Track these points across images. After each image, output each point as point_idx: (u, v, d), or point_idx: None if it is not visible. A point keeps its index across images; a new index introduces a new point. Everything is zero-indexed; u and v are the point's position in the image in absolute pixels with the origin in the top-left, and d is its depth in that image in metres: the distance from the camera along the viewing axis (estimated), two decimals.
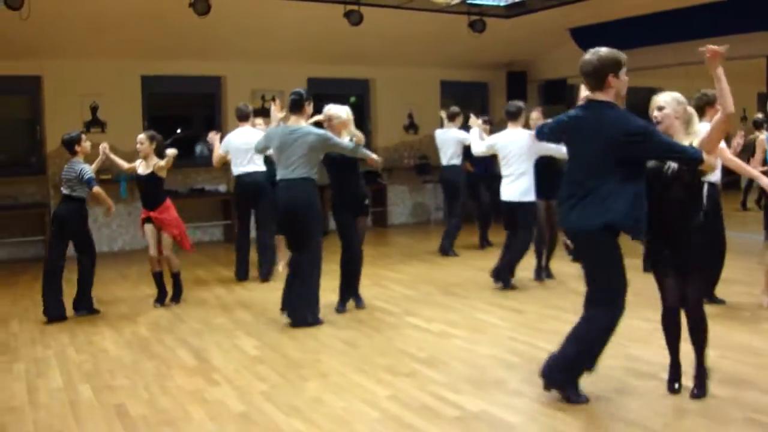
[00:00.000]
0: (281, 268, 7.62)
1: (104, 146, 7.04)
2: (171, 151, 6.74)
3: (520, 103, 7.29)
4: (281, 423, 3.94)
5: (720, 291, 6.17)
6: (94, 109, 10.11)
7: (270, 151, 6.36)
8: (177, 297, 6.94)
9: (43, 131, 10.03)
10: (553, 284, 7.28)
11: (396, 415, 3.98)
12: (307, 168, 5.88)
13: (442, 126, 9.50)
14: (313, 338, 5.61)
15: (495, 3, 10.45)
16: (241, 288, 7.60)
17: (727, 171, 5.90)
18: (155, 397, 4.39)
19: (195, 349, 5.40)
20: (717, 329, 5.41)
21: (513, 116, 7.08)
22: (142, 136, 6.75)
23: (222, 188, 11.00)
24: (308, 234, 5.94)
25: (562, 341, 4.07)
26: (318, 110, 6.35)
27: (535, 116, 7.31)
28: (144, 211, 6.81)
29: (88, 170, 6.44)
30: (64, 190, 6.51)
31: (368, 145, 12.47)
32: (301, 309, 5.91)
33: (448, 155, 9.16)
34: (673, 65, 11.12)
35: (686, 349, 4.73)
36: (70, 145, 6.50)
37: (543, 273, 7.45)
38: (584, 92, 4.10)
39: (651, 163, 3.96)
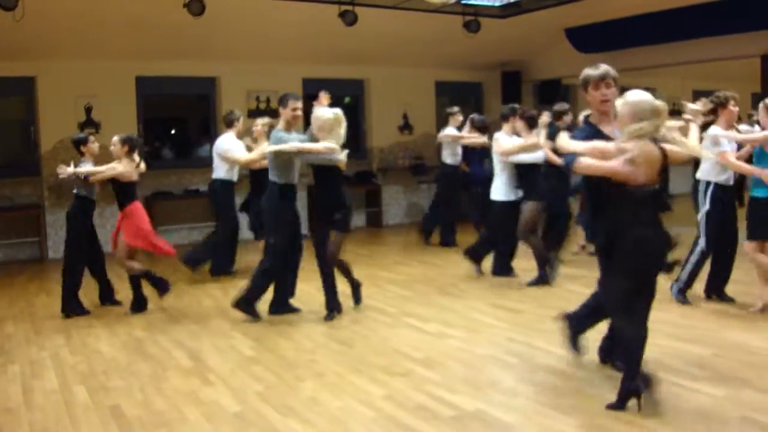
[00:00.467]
0: None
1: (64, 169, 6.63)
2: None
3: (513, 106, 7.60)
4: (277, 423, 3.93)
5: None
6: (88, 110, 10.08)
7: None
8: (135, 305, 6.63)
9: (38, 132, 9.99)
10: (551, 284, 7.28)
11: (392, 415, 3.97)
12: (273, 172, 6.10)
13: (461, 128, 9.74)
14: (308, 338, 5.61)
15: (490, 3, 10.46)
16: (236, 289, 7.57)
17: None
18: (150, 398, 4.38)
19: (190, 350, 5.39)
20: (713, 328, 5.45)
21: (503, 118, 7.46)
22: (115, 138, 6.68)
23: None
24: (269, 234, 6.23)
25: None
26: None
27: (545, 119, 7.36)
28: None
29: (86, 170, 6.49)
30: (74, 190, 6.68)
31: (364, 145, 12.53)
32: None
33: (443, 154, 9.65)
34: (667, 65, 11.17)
35: (687, 348, 4.75)
36: (77, 145, 6.70)
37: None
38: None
39: None
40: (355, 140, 12.35)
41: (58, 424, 4.01)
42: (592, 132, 4.15)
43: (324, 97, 6.24)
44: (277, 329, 5.90)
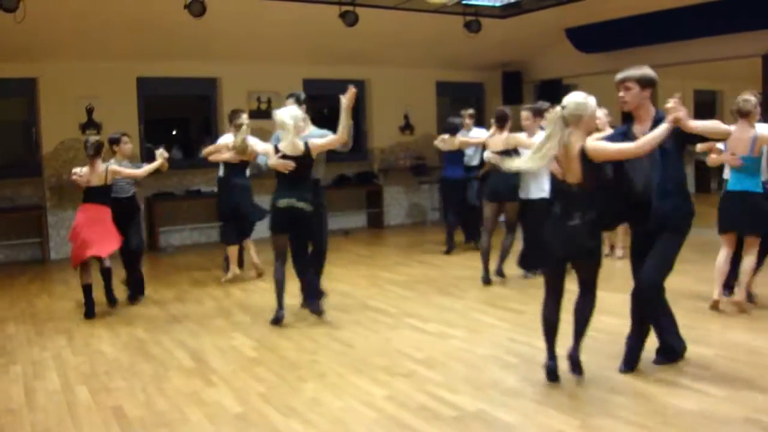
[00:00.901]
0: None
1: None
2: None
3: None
4: (279, 424, 3.93)
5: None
6: (89, 111, 10.09)
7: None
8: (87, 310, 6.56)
9: (39, 133, 10.00)
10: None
11: (393, 416, 3.98)
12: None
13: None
14: (310, 339, 5.61)
15: (490, 3, 10.47)
16: (238, 289, 7.60)
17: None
18: (152, 399, 4.38)
19: (192, 351, 5.39)
20: (716, 328, 5.45)
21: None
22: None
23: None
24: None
25: None
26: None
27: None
28: None
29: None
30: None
31: (364, 145, 12.54)
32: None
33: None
34: (667, 65, 11.15)
35: (690, 349, 4.74)
36: (110, 145, 6.97)
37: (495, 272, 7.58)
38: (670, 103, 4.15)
39: None
40: (356, 141, 12.35)
41: (60, 425, 4.01)
42: (622, 131, 4.42)
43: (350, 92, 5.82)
44: (278, 330, 5.90)
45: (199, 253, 9.78)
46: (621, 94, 4.30)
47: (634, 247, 4.55)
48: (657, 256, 4.31)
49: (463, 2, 10.11)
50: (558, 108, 4.18)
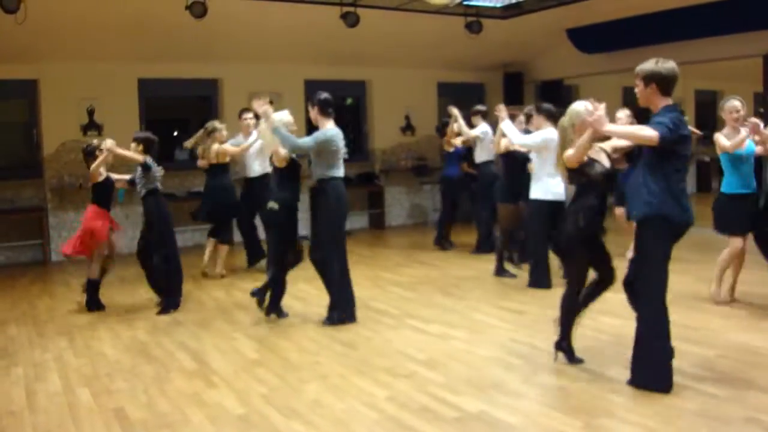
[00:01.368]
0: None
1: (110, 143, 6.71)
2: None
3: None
4: (280, 425, 3.93)
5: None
6: (90, 113, 10.09)
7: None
8: (88, 304, 6.77)
9: (40, 135, 10.01)
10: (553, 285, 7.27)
11: (395, 417, 3.97)
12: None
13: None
14: (311, 340, 5.61)
15: (492, 4, 10.47)
16: (240, 291, 7.59)
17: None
18: (154, 401, 4.38)
19: (194, 352, 5.39)
20: (717, 329, 5.44)
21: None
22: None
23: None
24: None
25: None
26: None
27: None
28: None
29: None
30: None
31: (366, 146, 12.54)
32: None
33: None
34: None
35: (691, 349, 4.74)
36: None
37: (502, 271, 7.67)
38: None
39: None
40: (357, 142, 12.38)
41: (61, 427, 4.01)
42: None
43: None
44: (279, 331, 5.91)
45: (200, 254, 9.74)
46: (636, 90, 4.27)
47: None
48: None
49: (465, 3, 10.11)
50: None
